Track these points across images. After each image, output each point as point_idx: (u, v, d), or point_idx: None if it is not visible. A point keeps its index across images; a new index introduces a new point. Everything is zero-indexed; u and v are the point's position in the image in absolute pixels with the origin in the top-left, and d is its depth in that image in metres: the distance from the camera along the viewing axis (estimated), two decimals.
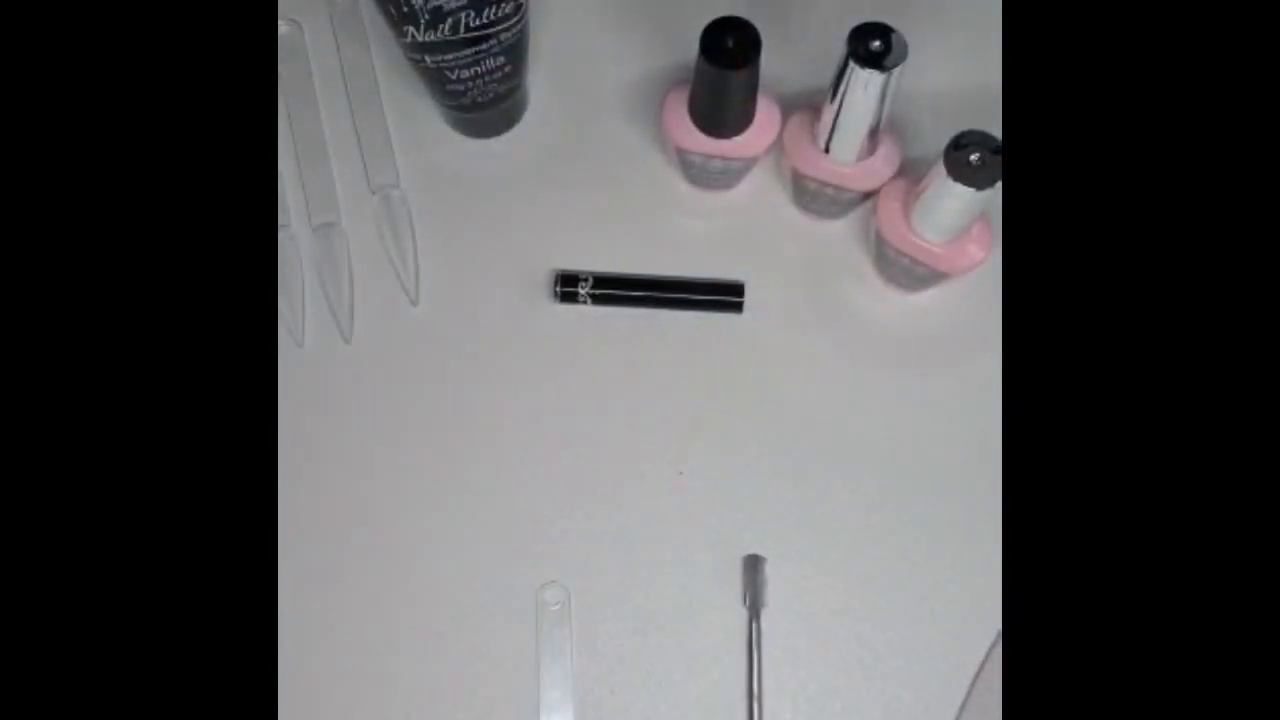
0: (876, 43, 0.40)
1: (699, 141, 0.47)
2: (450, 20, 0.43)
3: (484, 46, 0.45)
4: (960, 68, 0.52)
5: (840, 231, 0.52)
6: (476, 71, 0.46)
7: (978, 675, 0.46)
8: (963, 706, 0.46)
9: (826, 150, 0.46)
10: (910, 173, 0.46)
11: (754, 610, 0.47)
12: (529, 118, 0.53)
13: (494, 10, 0.43)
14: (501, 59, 0.46)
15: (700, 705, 0.46)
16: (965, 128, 0.40)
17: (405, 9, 0.42)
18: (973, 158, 0.40)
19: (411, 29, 0.43)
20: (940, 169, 0.40)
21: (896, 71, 0.40)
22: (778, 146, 0.48)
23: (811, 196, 0.49)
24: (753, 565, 0.47)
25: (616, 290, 0.50)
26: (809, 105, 0.46)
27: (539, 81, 0.53)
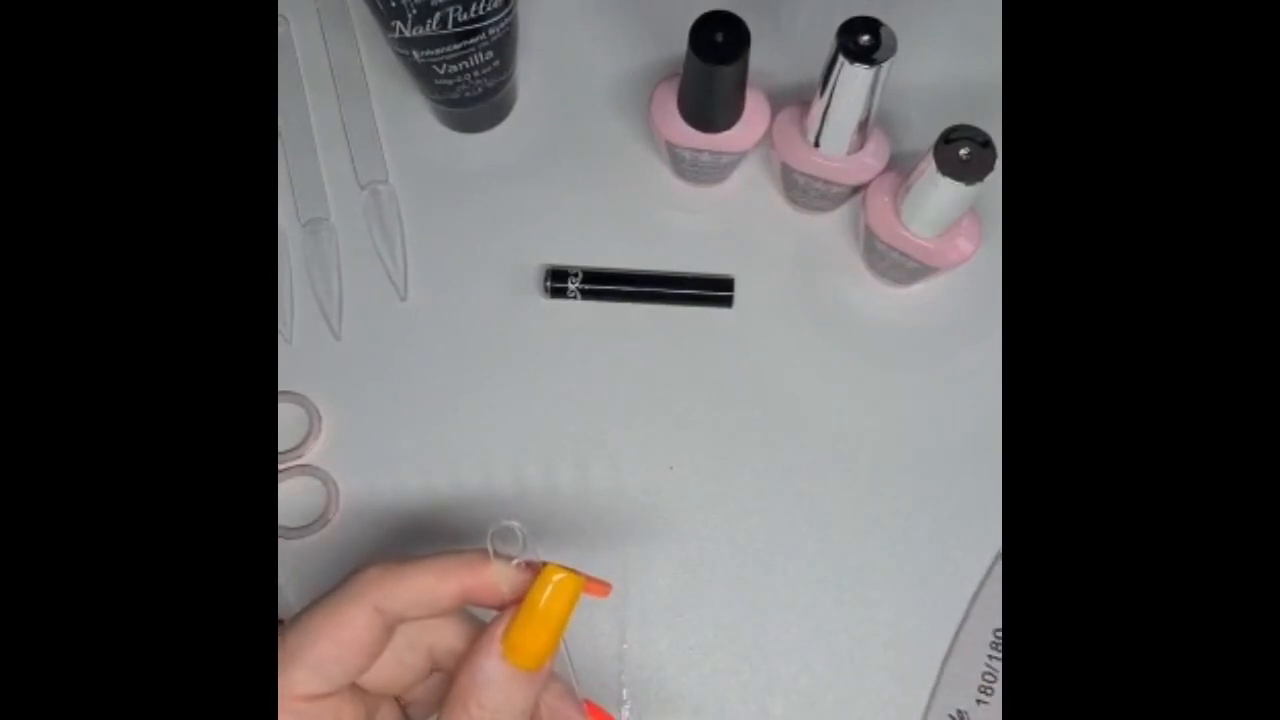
0: (866, 37, 0.40)
1: (688, 136, 0.47)
2: (438, 15, 0.43)
3: (472, 41, 0.45)
4: (950, 61, 0.52)
5: (830, 225, 0.52)
6: (465, 66, 0.46)
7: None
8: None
9: (816, 144, 0.46)
10: (900, 167, 0.46)
11: None
12: (518, 112, 0.53)
13: (482, 5, 0.43)
14: (490, 53, 0.46)
15: (687, 693, 0.46)
16: (955, 121, 0.40)
17: (393, 3, 0.42)
18: (962, 152, 0.40)
19: (399, 24, 0.43)
20: (930, 163, 0.40)
21: (886, 66, 0.40)
22: (767, 141, 0.48)
23: (801, 190, 0.49)
24: None
25: (606, 285, 0.50)
26: (798, 99, 0.46)
27: (527, 76, 0.53)
